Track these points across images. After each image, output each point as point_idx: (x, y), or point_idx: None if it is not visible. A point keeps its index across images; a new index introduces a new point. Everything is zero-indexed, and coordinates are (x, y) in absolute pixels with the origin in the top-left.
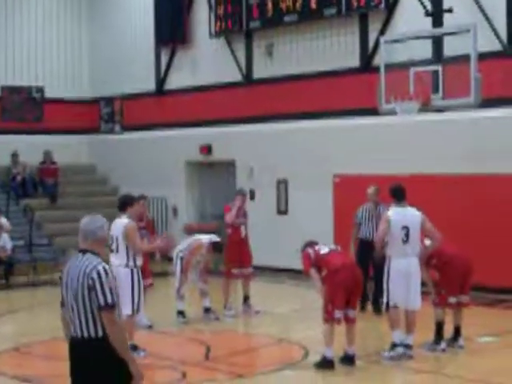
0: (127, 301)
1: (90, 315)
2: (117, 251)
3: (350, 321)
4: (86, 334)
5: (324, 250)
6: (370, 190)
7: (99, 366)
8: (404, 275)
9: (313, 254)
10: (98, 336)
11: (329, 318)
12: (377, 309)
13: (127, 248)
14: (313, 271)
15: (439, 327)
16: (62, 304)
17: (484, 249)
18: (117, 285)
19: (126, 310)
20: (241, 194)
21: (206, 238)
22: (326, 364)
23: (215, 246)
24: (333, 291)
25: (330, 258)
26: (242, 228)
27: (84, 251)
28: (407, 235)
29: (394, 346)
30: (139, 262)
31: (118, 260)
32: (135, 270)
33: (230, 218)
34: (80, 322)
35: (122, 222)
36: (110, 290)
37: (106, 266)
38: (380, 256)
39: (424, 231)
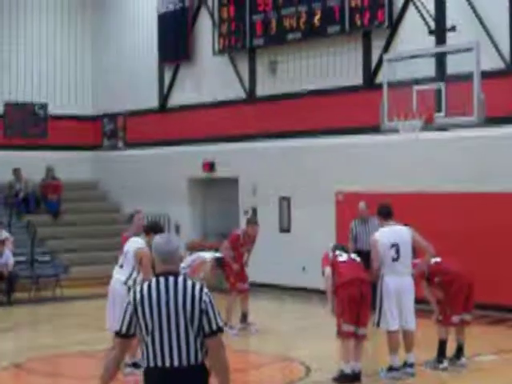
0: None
1: (192, 340)
2: (121, 266)
3: (358, 337)
4: (185, 362)
5: (342, 258)
6: (361, 205)
7: None
8: (396, 293)
9: (332, 257)
10: (198, 362)
11: (340, 332)
12: None
13: (133, 268)
14: (327, 269)
15: (442, 345)
16: (120, 334)
17: (487, 267)
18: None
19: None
20: (253, 223)
21: (208, 255)
22: (343, 379)
23: (217, 262)
24: (341, 305)
25: (343, 268)
26: (246, 254)
27: (169, 273)
28: (397, 252)
29: (390, 369)
30: (138, 281)
31: (118, 274)
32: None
33: (224, 249)
34: (179, 349)
35: (138, 241)
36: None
37: None
38: (376, 281)
39: (416, 245)
